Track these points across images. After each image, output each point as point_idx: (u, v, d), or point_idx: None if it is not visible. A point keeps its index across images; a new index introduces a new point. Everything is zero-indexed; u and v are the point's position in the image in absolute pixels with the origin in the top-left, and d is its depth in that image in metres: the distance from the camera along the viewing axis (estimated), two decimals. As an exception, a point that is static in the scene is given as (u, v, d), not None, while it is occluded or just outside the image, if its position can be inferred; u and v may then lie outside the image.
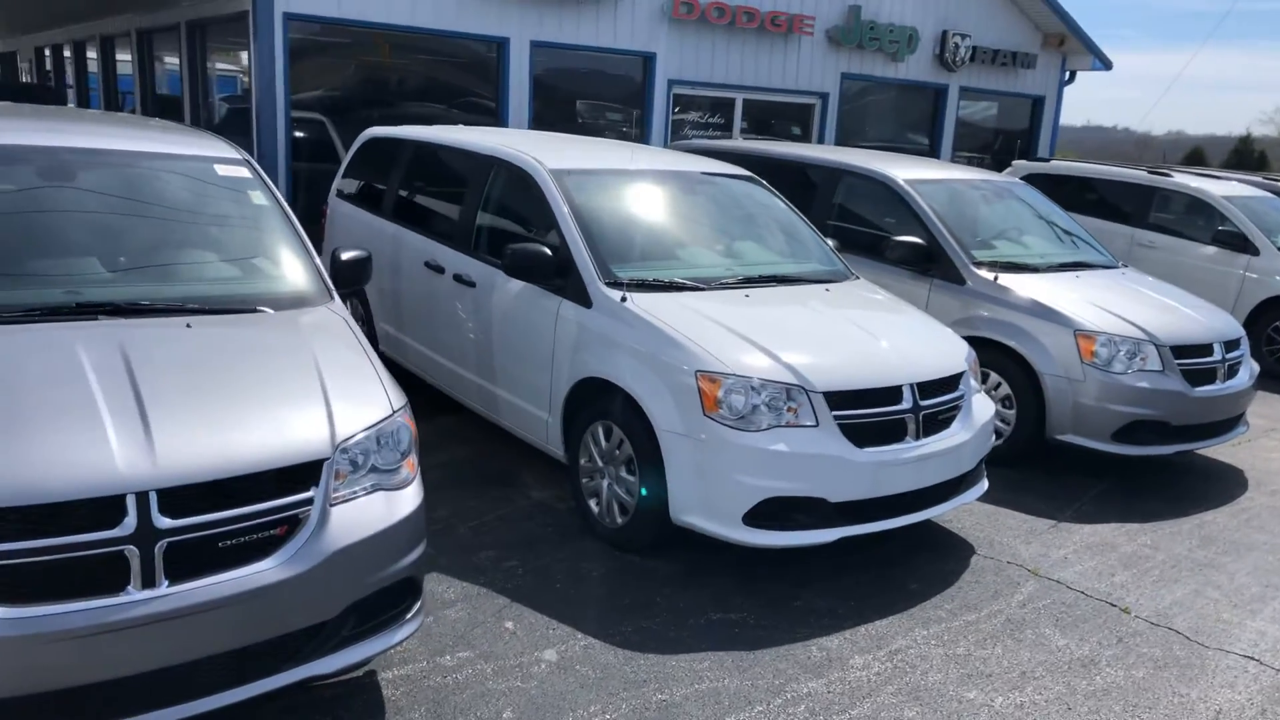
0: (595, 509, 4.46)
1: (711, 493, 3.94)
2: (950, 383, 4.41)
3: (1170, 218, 10.24)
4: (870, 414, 4.07)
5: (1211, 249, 9.68)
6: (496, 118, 10.17)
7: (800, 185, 7.23)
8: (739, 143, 9.20)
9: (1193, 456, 6.35)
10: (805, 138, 13.11)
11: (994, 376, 5.89)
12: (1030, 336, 5.73)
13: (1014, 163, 11.75)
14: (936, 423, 4.29)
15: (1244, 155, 44.73)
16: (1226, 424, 5.94)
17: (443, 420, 5.97)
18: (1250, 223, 9.49)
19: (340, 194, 6.90)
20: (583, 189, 4.93)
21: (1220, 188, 10.13)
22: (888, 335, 4.44)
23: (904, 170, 6.79)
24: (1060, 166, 11.25)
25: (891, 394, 4.14)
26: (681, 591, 4.03)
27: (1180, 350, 5.65)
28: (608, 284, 4.46)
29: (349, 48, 9.41)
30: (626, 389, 4.19)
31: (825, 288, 4.94)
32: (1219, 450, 6.51)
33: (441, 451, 5.49)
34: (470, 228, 5.39)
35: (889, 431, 4.12)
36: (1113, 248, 10.39)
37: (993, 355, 5.89)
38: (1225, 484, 5.92)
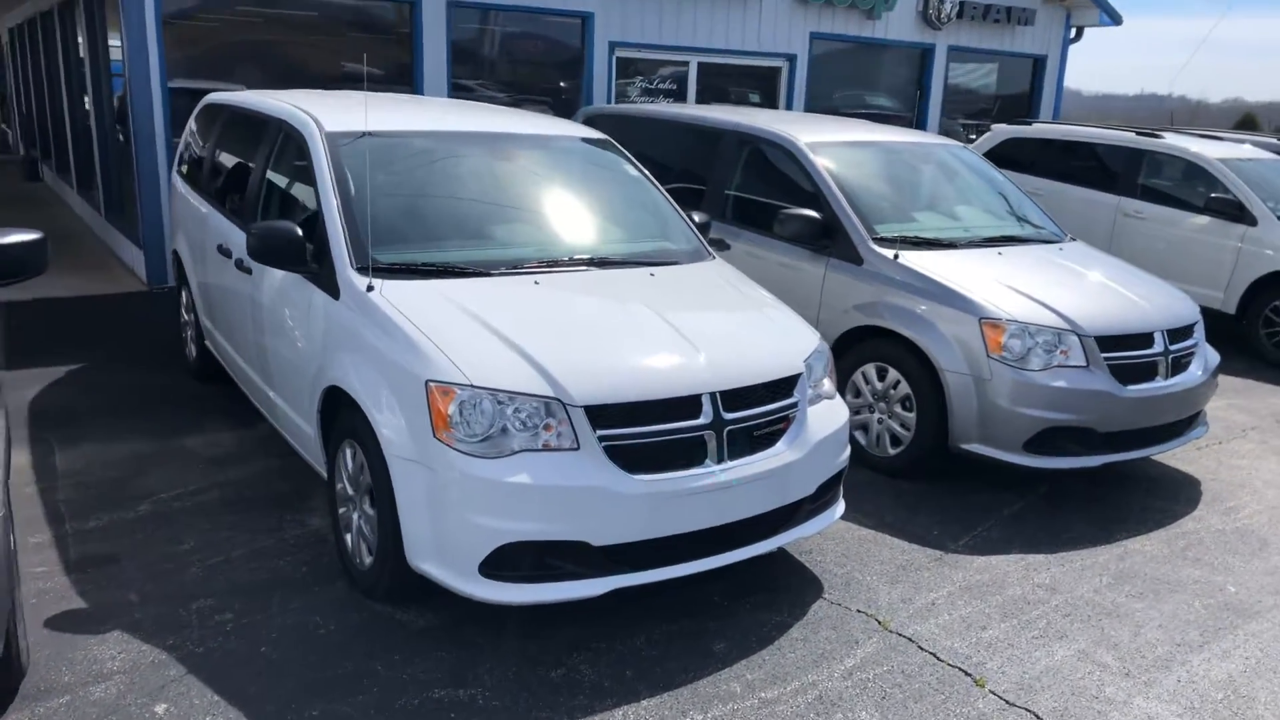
0: (350, 545, 3.68)
1: (445, 535, 3.13)
2: (777, 389, 3.54)
3: (1161, 184, 9.16)
4: (649, 433, 3.21)
5: (1204, 219, 8.61)
6: (412, 87, 9.34)
7: (703, 152, 6.36)
8: (643, 106, 8.25)
9: (1147, 464, 5.40)
10: (772, 104, 12.13)
11: (892, 373, 4.99)
12: (930, 326, 4.82)
13: (993, 126, 10.71)
14: (752, 440, 3.43)
15: (1299, 120, 42.48)
16: (1174, 427, 4.99)
17: (265, 427, 5.22)
18: (1248, 189, 8.40)
19: (179, 169, 6.15)
20: (362, 154, 4.11)
21: (1217, 150, 9.02)
22: (702, 331, 3.57)
23: (808, 132, 5.87)
24: (1042, 130, 10.19)
25: (684, 406, 3.28)
26: (419, 657, 3.23)
27: (1109, 341, 4.69)
28: (359, 269, 3.65)
29: (262, 16, 8.64)
30: (359, 401, 3.39)
31: (650, 272, 4.07)
32: (1179, 455, 5.55)
33: (239, 466, 4.73)
34: (255, 204, 4.60)
35: (679, 454, 3.27)
36: (1097, 218, 9.38)
37: (891, 348, 4.99)
38: (1173, 499, 4.97)
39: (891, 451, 5.02)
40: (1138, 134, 9.41)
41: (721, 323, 3.77)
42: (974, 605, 3.75)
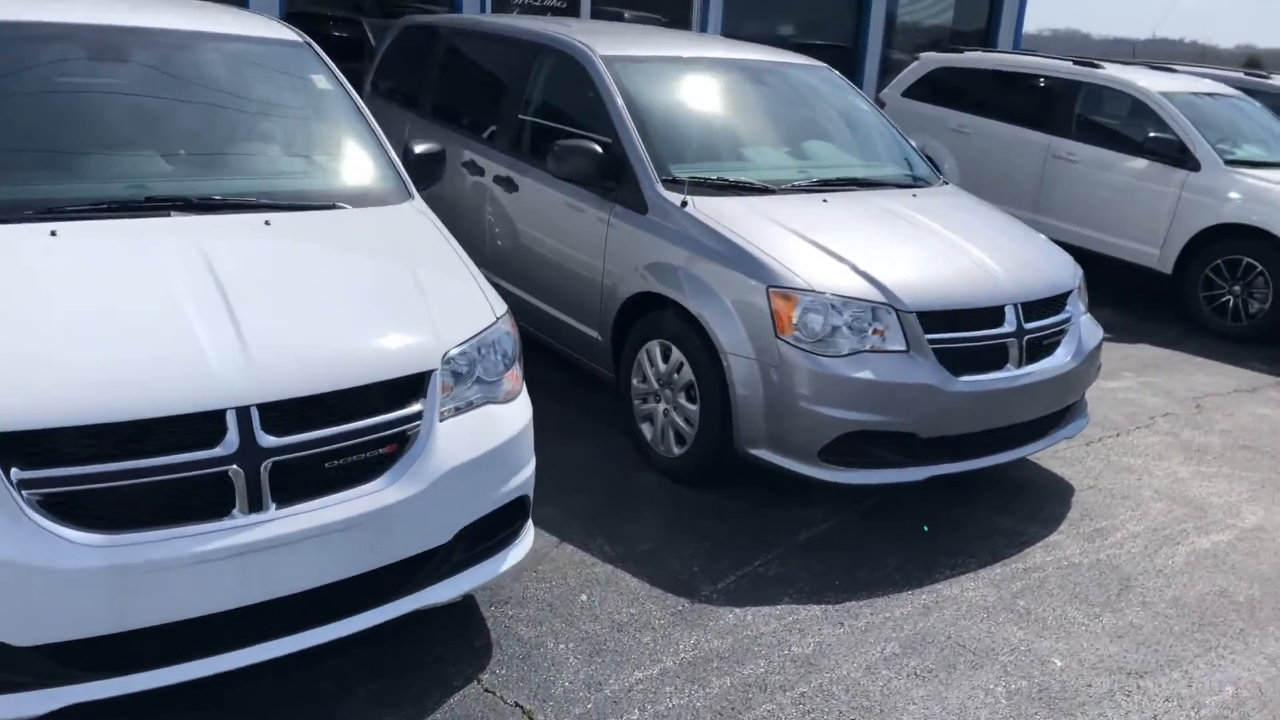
0: None
1: None
2: (388, 397, 2.43)
3: (1097, 122, 7.96)
4: (110, 473, 2.10)
5: (1141, 162, 7.43)
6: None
7: (503, 70, 5.15)
8: (455, 16, 6.90)
9: (1017, 463, 4.31)
10: (683, 27, 10.81)
11: (676, 353, 3.88)
12: (713, 294, 3.69)
13: (921, 55, 9.47)
14: (323, 476, 2.33)
15: (1304, 64, 41.08)
16: (1034, 426, 3.89)
17: None
18: (1192, 128, 7.21)
19: None
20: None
21: (1162, 82, 7.81)
22: (271, 313, 2.43)
23: (613, 44, 4.66)
24: (973, 59, 8.96)
25: (178, 430, 2.17)
26: None
27: (938, 318, 3.57)
28: None
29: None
30: None
31: (266, 219, 2.89)
32: (1063, 450, 4.47)
33: None
34: None
35: (175, 505, 2.16)
36: (1025, 161, 8.15)
37: (675, 322, 3.87)
38: (1029, 517, 3.90)
39: (676, 451, 3.93)
40: (1075, 64, 8.19)
41: (320, 297, 2.61)
42: (685, 694, 2.69)
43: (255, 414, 2.21)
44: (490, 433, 2.64)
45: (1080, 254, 7.86)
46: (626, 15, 10.33)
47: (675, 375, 3.88)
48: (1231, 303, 6.95)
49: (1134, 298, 7.51)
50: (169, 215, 2.79)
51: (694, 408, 3.80)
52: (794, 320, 3.45)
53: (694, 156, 4.26)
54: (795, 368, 3.44)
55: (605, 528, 3.57)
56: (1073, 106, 7.99)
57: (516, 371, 2.87)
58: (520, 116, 4.89)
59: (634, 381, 4.11)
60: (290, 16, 8.28)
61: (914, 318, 3.49)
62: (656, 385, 3.99)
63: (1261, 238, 6.77)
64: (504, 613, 3.02)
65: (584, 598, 3.12)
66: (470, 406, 2.65)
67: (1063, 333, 3.92)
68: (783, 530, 3.65)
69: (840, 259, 3.62)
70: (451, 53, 5.64)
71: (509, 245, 4.86)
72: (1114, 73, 7.88)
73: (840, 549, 3.54)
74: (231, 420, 2.19)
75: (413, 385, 2.50)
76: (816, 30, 12.04)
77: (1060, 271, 4.02)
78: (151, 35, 3.37)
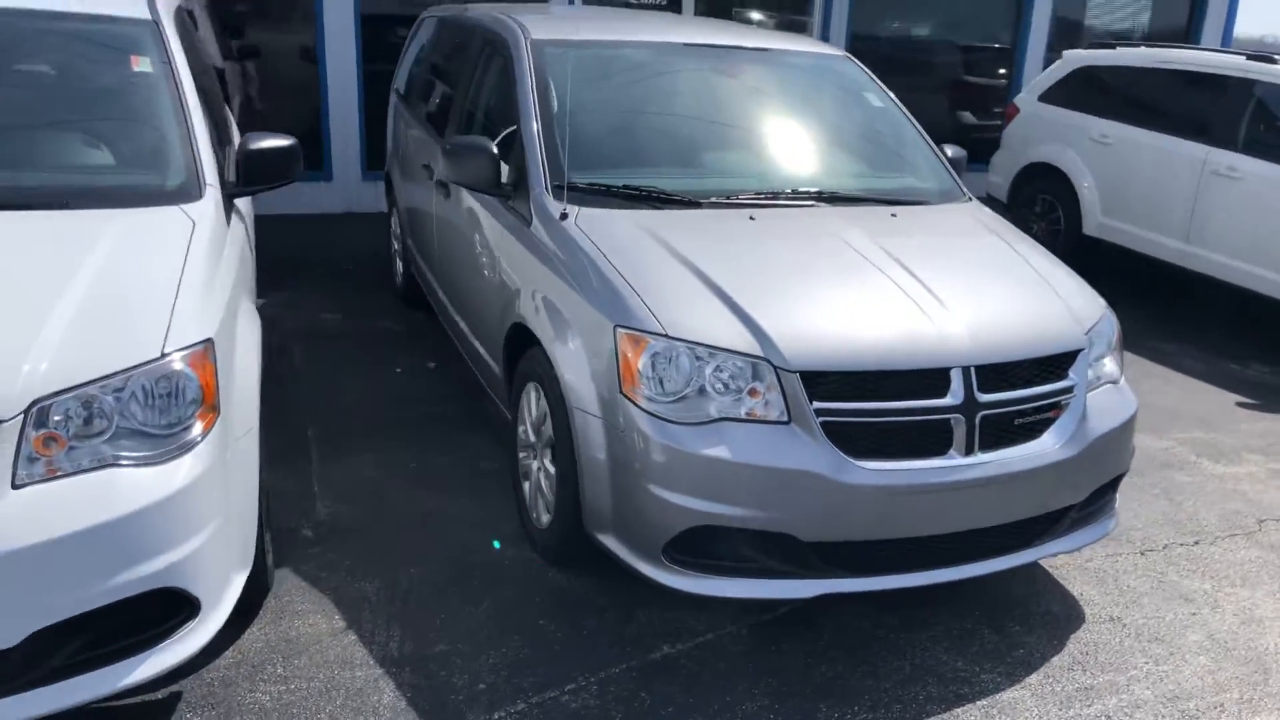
0: None
1: None
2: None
3: (1271, 130, 6.39)
4: None
5: (1323, 183, 5.86)
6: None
7: (457, 60, 4.58)
8: (463, 7, 6.22)
9: (1035, 567, 3.23)
10: (803, 27, 9.86)
11: (543, 402, 3.11)
12: (568, 330, 2.91)
13: (1065, 52, 8.08)
14: None
15: None
16: (1008, 533, 2.83)
17: None
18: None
19: None
20: None
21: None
22: None
23: (551, 27, 3.93)
24: (1124, 55, 7.49)
25: None
26: None
27: (836, 381, 2.60)
28: None
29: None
30: None
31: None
32: (1101, 556, 3.34)
33: None
34: None
35: None
36: (1175, 177, 6.68)
37: (542, 361, 3.11)
38: (997, 655, 2.83)
39: (544, 522, 3.17)
40: (1249, 59, 6.62)
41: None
42: None
43: None
44: (102, 504, 2.02)
45: (1240, 294, 6.38)
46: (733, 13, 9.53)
47: (543, 427, 3.13)
48: None
49: (1302, 354, 5.94)
50: None
51: (555, 470, 3.03)
52: (640, 370, 2.62)
53: (611, 161, 3.47)
54: (637, 433, 2.60)
55: (412, 615, 2.87)
56: (1241, 111, 6.45)
57: (212, 419, 2.24)
58: (460, 113, 4.28)
59: (519, 429, 3.39)
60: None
61: (796, 379, 2.56)
62: (532, 437, 3.26)
63: None
64: (200, 722, 2.40)
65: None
66: (99, 466, 2.05)
67: (1056, 408, 2.83)
68: (639, 642, 2.81)
69: (724, 296, 2.74)
70: (434, 45, 5.14)
71: (442, 262, 4.26)
72: (1295, 70, 6.28)
73: (694, 677, 2.67)
74: None
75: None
76: (965, 30, 10.70)
77: (1060, 324, 2.90)
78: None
